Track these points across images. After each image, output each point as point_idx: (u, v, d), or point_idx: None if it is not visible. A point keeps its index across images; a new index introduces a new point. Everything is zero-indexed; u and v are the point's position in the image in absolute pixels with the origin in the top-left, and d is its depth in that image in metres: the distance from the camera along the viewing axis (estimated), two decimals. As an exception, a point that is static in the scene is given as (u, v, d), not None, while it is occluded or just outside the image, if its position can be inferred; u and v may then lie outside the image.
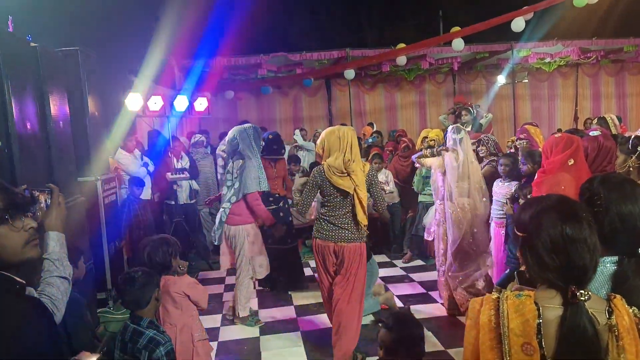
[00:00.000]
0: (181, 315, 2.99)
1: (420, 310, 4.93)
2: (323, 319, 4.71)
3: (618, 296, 1.42)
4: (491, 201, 4.85)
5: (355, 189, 3.66)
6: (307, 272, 6.20)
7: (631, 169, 2.97)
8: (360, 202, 3.67)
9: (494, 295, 1.50)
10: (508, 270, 4.29)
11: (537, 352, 1.40)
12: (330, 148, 3.74)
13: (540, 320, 1.40)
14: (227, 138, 4.93)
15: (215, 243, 4.91)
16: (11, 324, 1.42)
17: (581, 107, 13.78)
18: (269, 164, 5.54)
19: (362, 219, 3.72)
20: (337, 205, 3.74)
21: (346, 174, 3.66)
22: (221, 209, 4.79)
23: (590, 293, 1.38)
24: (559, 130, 9.65)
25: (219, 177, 7.10)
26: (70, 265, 1.90)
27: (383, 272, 6.07)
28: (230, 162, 4.87)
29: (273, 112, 12.21)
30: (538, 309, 1.41)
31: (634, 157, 2.95)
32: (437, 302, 5.18)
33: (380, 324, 2.49)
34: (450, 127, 4.95)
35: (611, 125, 5.36)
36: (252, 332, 4.63)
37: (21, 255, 1.55)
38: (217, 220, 4.82)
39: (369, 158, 6.74)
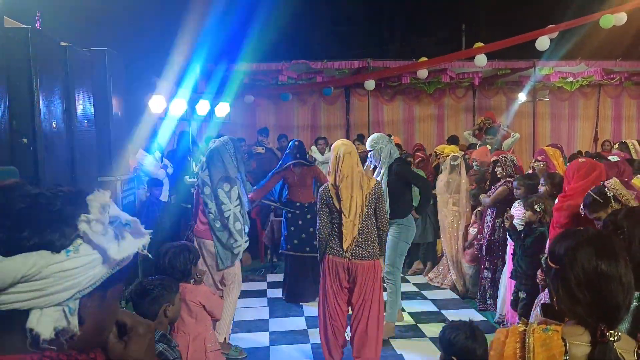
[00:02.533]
0: (195, 324, 2.99)
1: (432, 330, 4.89)
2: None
3: (648, 337, 1.40)
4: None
5: (342, 213, 3.64)
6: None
7: None
8: (345, 223, 3.64)
9: (520, 327, 1.49)
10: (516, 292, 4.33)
11: (561, 389, 1.38)
12: (331, 166, 3.79)
13: (567, 357, 1.38)
14: (205, 159, 4.27)
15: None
16: None
17: (602, 128, 13.62)
18: (290, 170, 5.60)
19: (346, 240, 3.67)
20: (340, 222, 3.72)
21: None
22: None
23: (620, 333, 1.36)
24: (580, 153, 9.58)
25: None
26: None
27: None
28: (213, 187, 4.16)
29: (291, 119, 12.24)
30: (565, 345, 1.39)
31: (612, 204, 2.80)
32: (449, 320, 5.14)
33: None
34: (451, 155, 6.18)
35: (632, 150, 5.31)
36: (262, 341, 4.63)
37: None
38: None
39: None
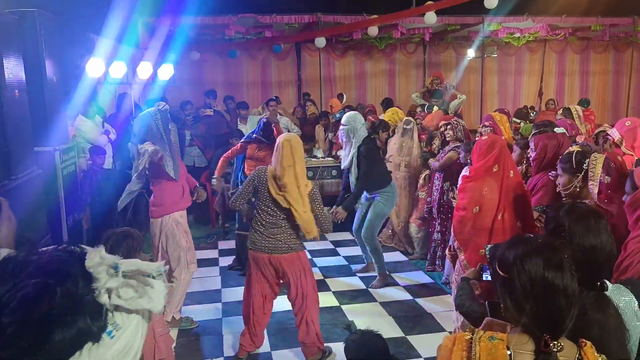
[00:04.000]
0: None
1: (382, 294, 5.01)
2: (285, 302, 4.77)
3: (589, 343, 1.44)
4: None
5: (290, 205, 3.51)
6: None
7: (577, 189, 2.89)
8: (301, 217, 3.51)
9: (467, 335, 1.51)
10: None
11: (506, 396, 1.42)
12: (274, 154, 3.65)
13: (511, 366, 1.41)
14: (135, 129, 4.30)
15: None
16: None
17: (546, 83, 14.00)
18: (255, 145, 5.43)
19: (309, 232, 3.56)
20: (271, 213, 3.58)
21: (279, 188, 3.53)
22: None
23: (563, 343, 1.39)
24: (526, 108, 9.74)
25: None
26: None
27: (345, 251, 6.14)
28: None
29: (240, 76, 11.90)
30: (510, 354, 1.42)
31: (580, 176, 2.85)
32: (398, 284, 5.27)
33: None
34: (404, 120, 6.30)
35: (575, 115, 5.45)
36: (215, 313, 4.62)
37: None
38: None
39: (337, 134, 6.66)
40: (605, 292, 1.78)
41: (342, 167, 5.46)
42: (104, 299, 0.83)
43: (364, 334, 2.47)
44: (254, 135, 5.40)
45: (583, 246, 1.82)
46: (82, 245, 0.88)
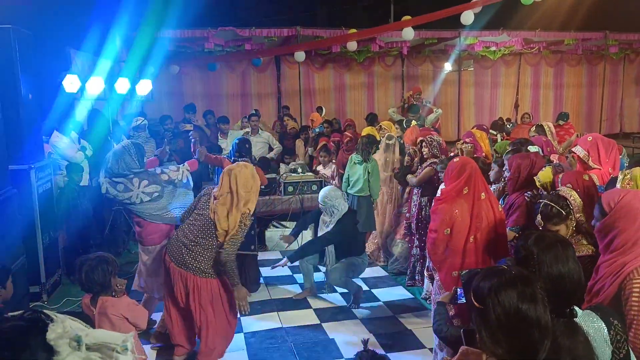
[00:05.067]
0: (120, 337, 2.89)
1: (363, 311, 5.03)
2: (267, 319, 4.74)
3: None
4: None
5: (214, 219, 3.51)
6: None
7: (574, 229, 2.76)
8: (225, 233, 3.50)
9: (442, 368, 1.53)
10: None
11: None
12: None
13: (485, 398, 1.44)
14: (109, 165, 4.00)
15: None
16: None
17: (522, 95, 14.27)
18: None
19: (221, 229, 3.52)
20: (198, 223, 3.57)
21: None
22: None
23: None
24: (501, 120, 9.86)
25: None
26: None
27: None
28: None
29: (220, 88, 11.90)
30: (484, 387, 1.45)
31: (572, 217, 2.74)
32: (379, 300, 5.29)
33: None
34: (386, 135, 6.32)
35: (548, 132, 5.57)
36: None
37: None
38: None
39: (317, 149, 6.69)
40: (575, 319, 1.82)
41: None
42: None
43: (374, 355, 2.45)
44: (232, 158, 5.39)
45: (552, 275, 1.87)
46: (49, 313, 0.86)
